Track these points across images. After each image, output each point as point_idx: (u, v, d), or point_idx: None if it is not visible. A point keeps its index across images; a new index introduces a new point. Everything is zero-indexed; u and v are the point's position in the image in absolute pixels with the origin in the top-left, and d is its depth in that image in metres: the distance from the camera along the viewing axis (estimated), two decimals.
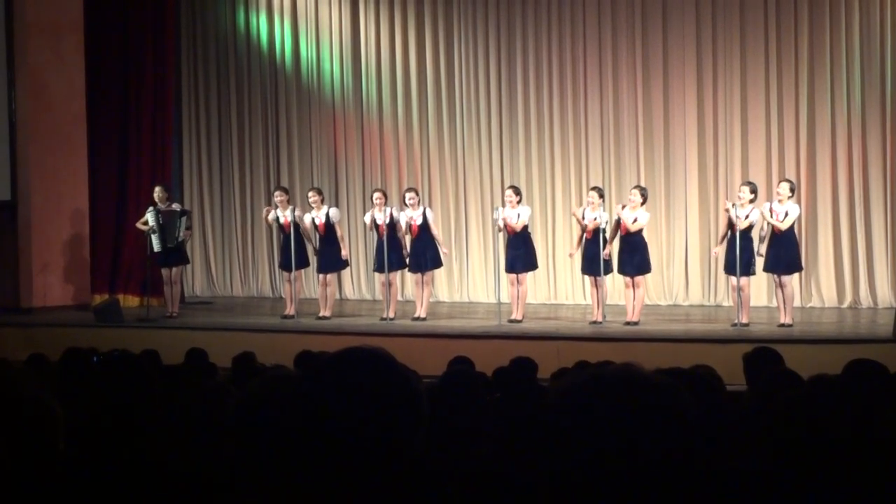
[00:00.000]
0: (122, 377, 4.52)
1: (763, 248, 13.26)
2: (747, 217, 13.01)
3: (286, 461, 2.08)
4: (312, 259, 15.14)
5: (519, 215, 14.02)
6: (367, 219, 14.75)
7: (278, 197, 15.15)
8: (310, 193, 15.18)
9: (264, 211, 15.43)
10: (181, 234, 15.33)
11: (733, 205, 13.13)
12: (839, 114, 15.52)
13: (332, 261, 14.83)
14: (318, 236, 14.96)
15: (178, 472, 3.29)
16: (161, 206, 15.31)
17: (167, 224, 15.24)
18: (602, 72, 16.66)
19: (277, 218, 15.02)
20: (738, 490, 2.65)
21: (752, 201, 13.13)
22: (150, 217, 15.24)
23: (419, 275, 14.58)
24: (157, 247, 15.28)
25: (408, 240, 14.53)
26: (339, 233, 14.92)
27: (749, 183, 13.64)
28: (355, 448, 2.00)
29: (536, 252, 14.59)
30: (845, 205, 15.51)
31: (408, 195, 14.67)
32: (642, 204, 13.64)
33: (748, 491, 2.70)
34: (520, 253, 14.02)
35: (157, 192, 15.46)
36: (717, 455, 2.78)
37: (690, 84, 16.20)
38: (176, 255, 15.41)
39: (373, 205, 14.72)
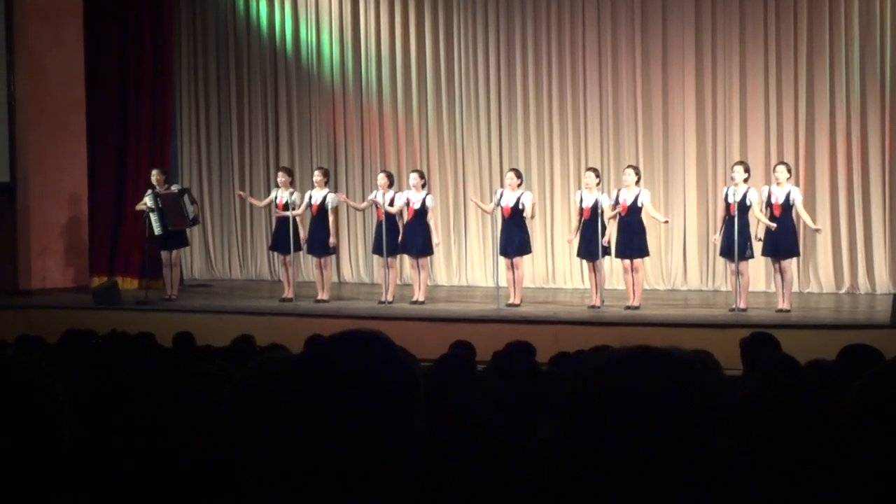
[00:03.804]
0: (121, 360, 4.53)
1: (761, 233, 13.25)
2: (744, 196, 13.02)
3: (283, 444, 2.09)
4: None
5: (522, 202, 14.00)
6: (372, 196, 14.77)
7: (280, 177, 15.15)
8: (315, 172, 15.22)
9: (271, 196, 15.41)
10: (190, 212, 15.30)
11: (729, 188, 13.19)
12: (838, 99, 15.50)
13: (319, 243, 14.80)
14: (310, 216, 14.92)
15: (177, 455, 3.30)
16: (159, 189, 15.29)
17: (169, 207, 15.20)
18: (601, 56, 16.63)
19: (276, 197, 15.06)
20: (735, 474, 2.65)
21: (745, 181, 13.16)
22: (148, 200, 15.24)
23: (415, 259, 14.58)
24: (157, 230, 15.28)
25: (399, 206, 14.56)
26: (331, 219, 14.84)
27: (741, 162, 13.68)
28: (352, 431, 2.01)
29: (531, 236, 14.59)
30: (844, 190, 15.50)
31: (412, 176, 14.65)
32: (637, 182, 13.67)
33: (743, 474, 2.71)
34: (513, 237, 14.02)
35: (154, 174, 15.44)
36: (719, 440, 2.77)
37: (689, 68, 16.18)
38: (176, 238, 15.42)
39: (375, 187, 14.75)
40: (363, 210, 16.09)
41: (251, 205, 18.18)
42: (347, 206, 16.35)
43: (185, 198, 15.35)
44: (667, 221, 14.47)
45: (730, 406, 1.86)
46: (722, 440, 1.81)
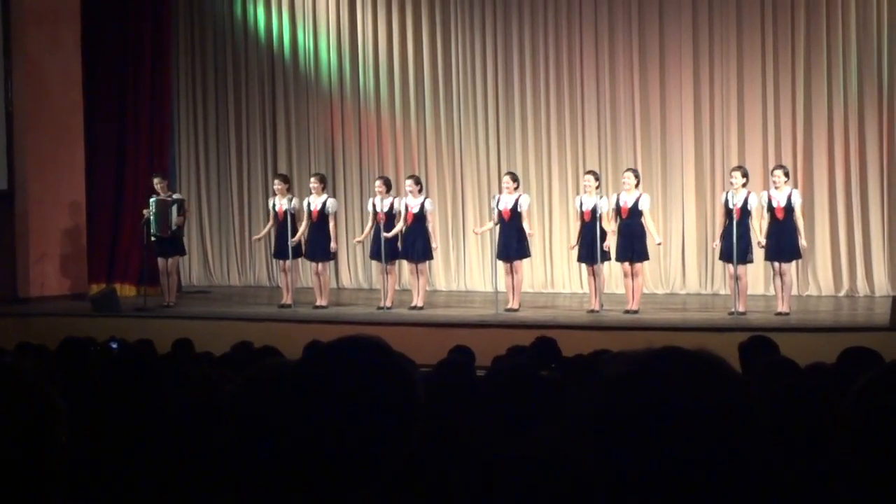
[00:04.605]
0: (122, 367, 4.51)
1: (763, 239, 13.19)
2: (745, 201, 13.01)
3: (282, 449, 2.08)
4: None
5: (520, 205, 13.99)
6: (370, 206, 14.77)
7: (277, 185, 15.14)
8: (312, 179, 15.18)
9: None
10: (173, 222, 15.27)
11: (729, 192, 13.17)
12: (836, 101, 15.52)
13: (319, 250, 14.77)
14: (309, 223, 14.89)
15: (175, 461, 3.29)
16: (161, 195, 15.32)
17: (160, 213, 15.21)
18: (599, 59, 16.64)
19: (274, 205, 15.03)
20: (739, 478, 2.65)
21: (744, 185, 13.14)
22: (150, 205, 15.30)
23: (413, 264, 14.56)
24: (152, 236, 15.30)
25: (399, 224, 14.48)
26: (331, 224, 14.83)
27: (739, 167, 13.65)
28: (351, 437, 2.00)
29: (529, 240, 14.56)
30: (842, 193, 15.51)
31: (407, 182, 14.64)
32: (636, 185, 13.66)
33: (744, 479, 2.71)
34: (512, 240, 14.00)
35: (156, 181, 15.47)
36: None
37: (687, 71, 16.20)
38: (171, 245, 15.40)
39: (373, 192, 14.74)
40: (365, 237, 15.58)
41: (251, 213, 18.35)
42: (344, 217, 16.31)
43: (174, 207, 15.31)
44: (660, 244, 14.37)
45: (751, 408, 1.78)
46: (752, 445, 1.75)
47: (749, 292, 13.64)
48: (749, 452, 1.71)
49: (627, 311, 13.50)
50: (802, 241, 13.31)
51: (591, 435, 1.73)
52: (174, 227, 15.29)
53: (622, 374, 1.75)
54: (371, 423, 2.01)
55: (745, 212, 13.01)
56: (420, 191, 14.64)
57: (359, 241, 15.54)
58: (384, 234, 14.26)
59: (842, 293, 15.51)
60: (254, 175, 18.64)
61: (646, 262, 14.12)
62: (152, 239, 15.32)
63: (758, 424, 1.74)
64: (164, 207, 15.25)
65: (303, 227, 14.83)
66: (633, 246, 13.52)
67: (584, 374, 6.14)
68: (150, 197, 15.46)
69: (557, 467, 3.21)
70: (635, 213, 13.53)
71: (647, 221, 13.64)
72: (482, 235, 16.48)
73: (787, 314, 13.05)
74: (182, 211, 15.50)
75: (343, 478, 2.00)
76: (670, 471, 1.68)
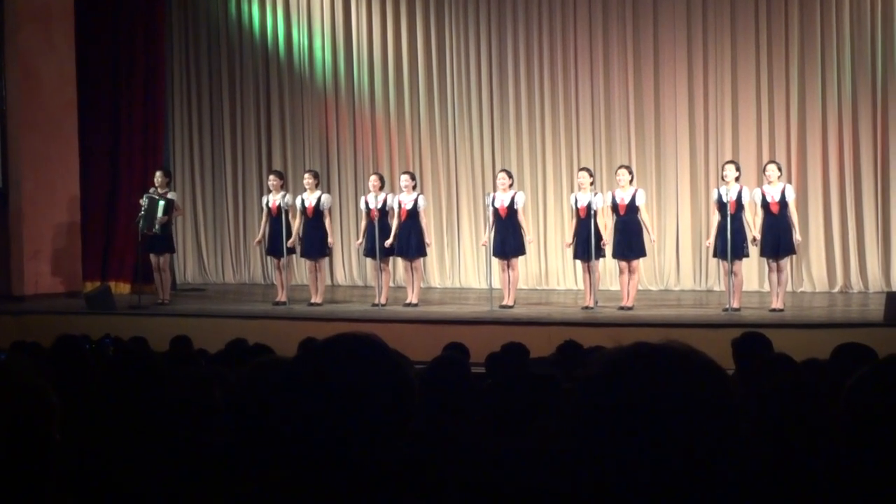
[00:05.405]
0: (117, 366, 4.52)
1: (757, 234, 13.16)
2: (738, 194, 13.00)
3: (277, 447, 2.09)
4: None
5: (515, 201, 13.96)
6: (362, 204, 14.74)
7: (272, 181, 15.10)
8: (306, 175, 15.13)
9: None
10: (157, 221, 15.15)
11: (721, 187, 13.13)
12: (830, 98, 15.53)
13: (315, 246, 14.75)
14: (305, 219, 14.87)
15: (169, 458, 3.29)
16: (159, 190, 15.24)
17: (149, 210, 15.14)
18: (593, 56, 16.65)
19: (267, 202, 15.01)
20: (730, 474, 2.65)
21: (737, 179, 13.12)
22: (144, 200, 15.24)
23: (407, 261, 14.54)
24: (140, 231, 15.23)
25: (395, 223, 14.45)
26: (327, 220, 14.82)
27: (732, 161, 13.64)
28: (347, 434, 2.00)
29: (525, 237, 14.54)
30: (836, 189, 15.53)
31: (403, 178, 14.61)
32: (630, 182, 13.64)
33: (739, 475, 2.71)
34: (509, 237, 13.98)
35: (157, 176, 15.41)
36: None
37: (681, 68, 16.20)
38: (160, 242, 15.32)
39: (367, 189, 14.71)
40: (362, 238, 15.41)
41: (245, 210, 18.35)
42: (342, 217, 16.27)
43: (161, 205, 15.18)
44: (653, 241, 14.34)
45: (733, 401, 1.81)
46: (732, 440, 1.76)
47: (743, 288, 13.64)
48: (727, 436, 1.73)
49: (622, 308, 13.50)
50: (797, 236, 13.29)
51: (573, 437, 1.75)
52: (157, 226, 15.17)
53: (594, 375, 1.77)
54: (366, 420, 2.01)
55: (739, 205, 13.00)
56: (415, 187, 14.62)
57: (360, 244, 15.24)
58: (385, 243, 14.22)
59: (836, 289, 15.52)
60: (248, 172, 18.64)
61: (642, 259, 14.11)
62: (142, 234, 15.28)
63: (733, 408, 1.76)
64: (153, 205, 15.19)
65: (297, 225, 14.81)
66: (631, 243, 13.50)
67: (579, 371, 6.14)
68: (145, 192, 15.42)
69: (551, 465, 3.21)
70: (633, 209, 13.50)
71: (644, 217, 13.63)
72: (477, 231, 16.50)
73: (781, 310, 13.03)
74: (168, 211, 15.30)
75: (338, 475, 2.00)
76: (653, 465, 1.70)
